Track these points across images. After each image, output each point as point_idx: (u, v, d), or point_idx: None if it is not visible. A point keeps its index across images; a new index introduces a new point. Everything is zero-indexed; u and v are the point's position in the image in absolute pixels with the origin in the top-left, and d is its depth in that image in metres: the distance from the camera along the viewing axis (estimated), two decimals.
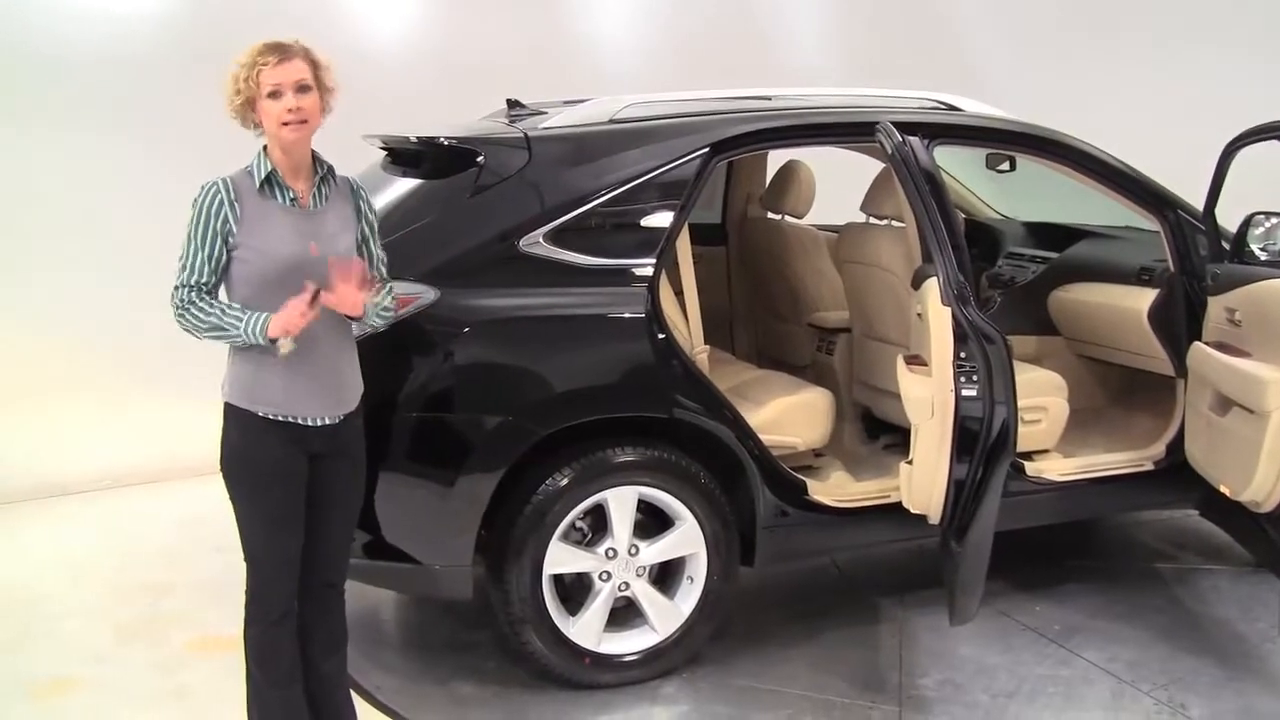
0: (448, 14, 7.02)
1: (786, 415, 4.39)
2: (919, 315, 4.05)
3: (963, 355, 3.55)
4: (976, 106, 4.62)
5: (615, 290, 3.94)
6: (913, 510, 4.00)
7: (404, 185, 4.16)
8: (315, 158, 3.12)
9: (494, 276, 3.86)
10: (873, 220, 4.77)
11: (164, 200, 6.04)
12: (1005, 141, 4.59)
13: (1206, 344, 4.32)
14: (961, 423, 3.61)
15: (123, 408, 6.30)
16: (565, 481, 3.86)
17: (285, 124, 2.96)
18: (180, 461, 6.20)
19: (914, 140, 3.86)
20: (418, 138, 4.17)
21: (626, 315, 3.92)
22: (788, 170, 5.13)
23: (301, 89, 2.97)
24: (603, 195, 3.97)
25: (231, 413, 3.09)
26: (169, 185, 6.00)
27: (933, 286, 3.67)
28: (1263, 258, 4.36)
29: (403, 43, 6.84)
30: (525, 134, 4.04)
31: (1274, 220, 4.38)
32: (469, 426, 3.80)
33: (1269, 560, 4.25)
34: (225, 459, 3.12)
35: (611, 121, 4.14)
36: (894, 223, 4.64)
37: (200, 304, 2.97)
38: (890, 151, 3.76)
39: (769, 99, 4.56)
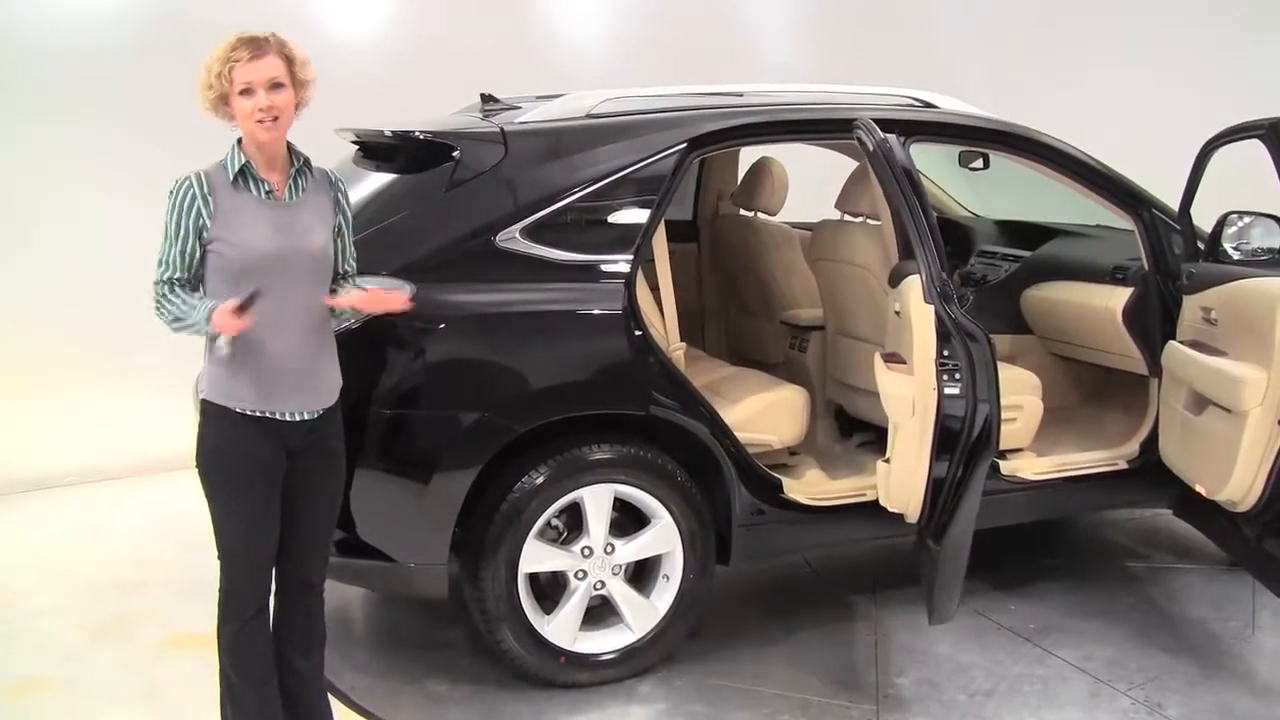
0: (418, 7, 6.96)
1: (762, 413, 4.37)
2: (896, 312, 4.03)
3: (945, 353, 3.53)
4: (953, 104, 4.62)
5: (592, 286, 3.90)
6: (890, 508, 3.98)
7: (377, 180, 4.11)
8: (290, 149, 3.07)
9: (470, 272, 3.82)
10: (847, 218, 4.76)
11: (131, 194, 5.99)
12: (982, 139, 4.58)
13: (1182, 343, 4.33)
14: (943, 421, 3.59)
15: (90, 404, 6.19)
16: (541, 479, 3.81)
17: (259, 122, 2.92)
18: (148, 458, 6.15)
19: (891, 137, 3.85)
20: (392, 131, 4.12)
21: (603, 311, 3.88)
22: (760, 167, 5.11)
23: (274, 86, 2.92)
24: (579, 191, 3.94)
25: (209, 409, 3.04)
26: (135, 178, 6.00)
27: (914, 284, 3.65)
28: (1235, 256, 4.38)
29: (373, 35, 6.79)
30: (501, 129, 4.00)
31: (1247, 219, 4.39)
32: (444, 423, 3.75)
33: (1244, 559, 4.26)
34: (202, 456, 3.07)
35: (588, 116, 4.11)
36: (869, 220, 4.63)
37: (173, 298, 2.93)
38: (871, 148, 3.75)
39: (740, 95, 4.53)
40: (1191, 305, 4.35)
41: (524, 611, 3.88)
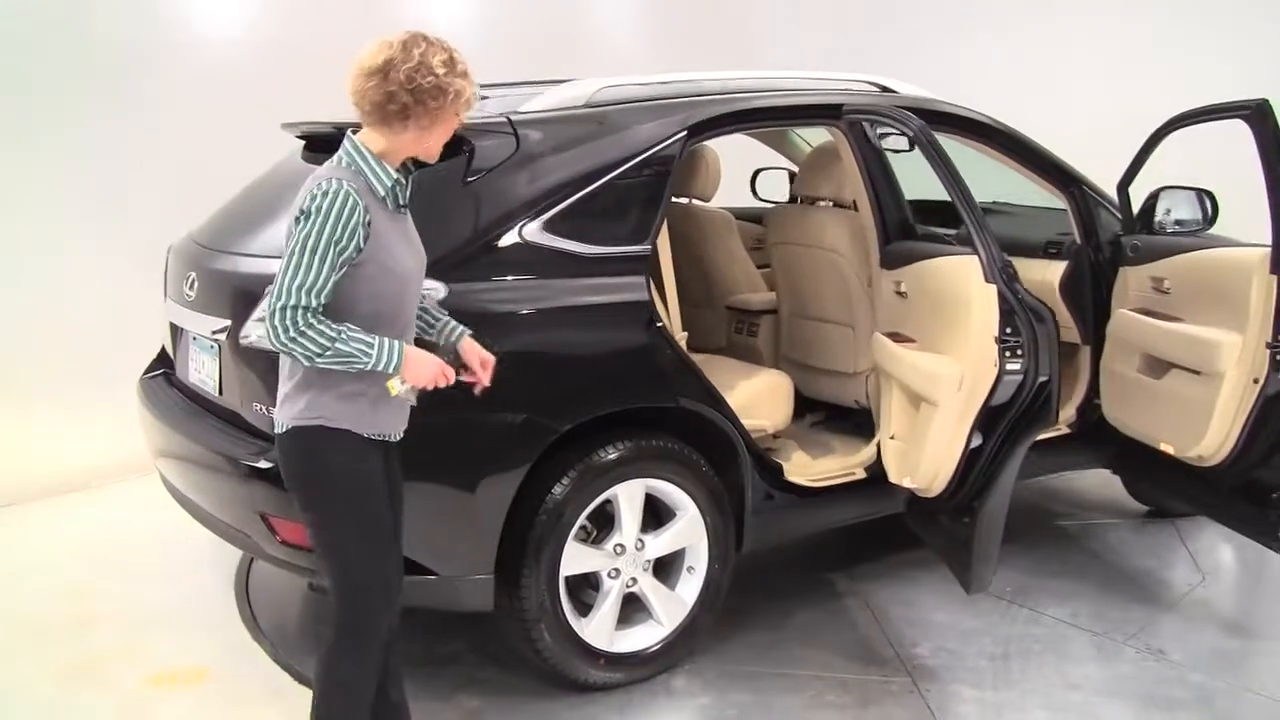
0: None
1: (756, 398, 4.38)
2: (899, 293, 4.13)
3: (1008, 330, 3.62)
4: (909, 89, 4.73)
5: (618, 279, 3.82)
6: (908, 484, 4.05)
7: None
8: None
9: (499, 268, 3.66)
10: (807, 202, 4.82)
11: (23, 202, 5.55)
12: (940, 123, 4.67)
13: (1131, 311, 4.59)
14: (993, 396, 3.69)
15: None
16: (577, 479, 3.72)
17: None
18: (38, 480, 5.67)
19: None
20: None
21: (631, 303, 3.82)
22: (694, 154, 5.09)
23: None
24: (596, 180, 3.83)
25: (328, 434, 2.80)
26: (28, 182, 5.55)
27: (966, 265, 3.71)
28: (1167, 228, 4.68)
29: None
30: (508, 119, 3.86)
31: (1175, 193, 4.70)
32: (488, 427, 3.58)
33: (1207, 509, 4.55)
34: (322, 481, 2.85)
35: (588, 105, 4.01)
36: (833, 204, 4.71)
37: (320, 326, 2.63)
38: (913, 134, 3.80)
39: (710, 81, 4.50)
40: (1138, 275, 4.62)
41: (564, 615, 3.78)
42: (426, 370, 2.78)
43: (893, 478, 4.14)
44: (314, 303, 2.63)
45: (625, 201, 3.91)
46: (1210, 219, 4.65)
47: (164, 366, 4.53)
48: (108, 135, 5.74)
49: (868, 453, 4.44)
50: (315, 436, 2.81)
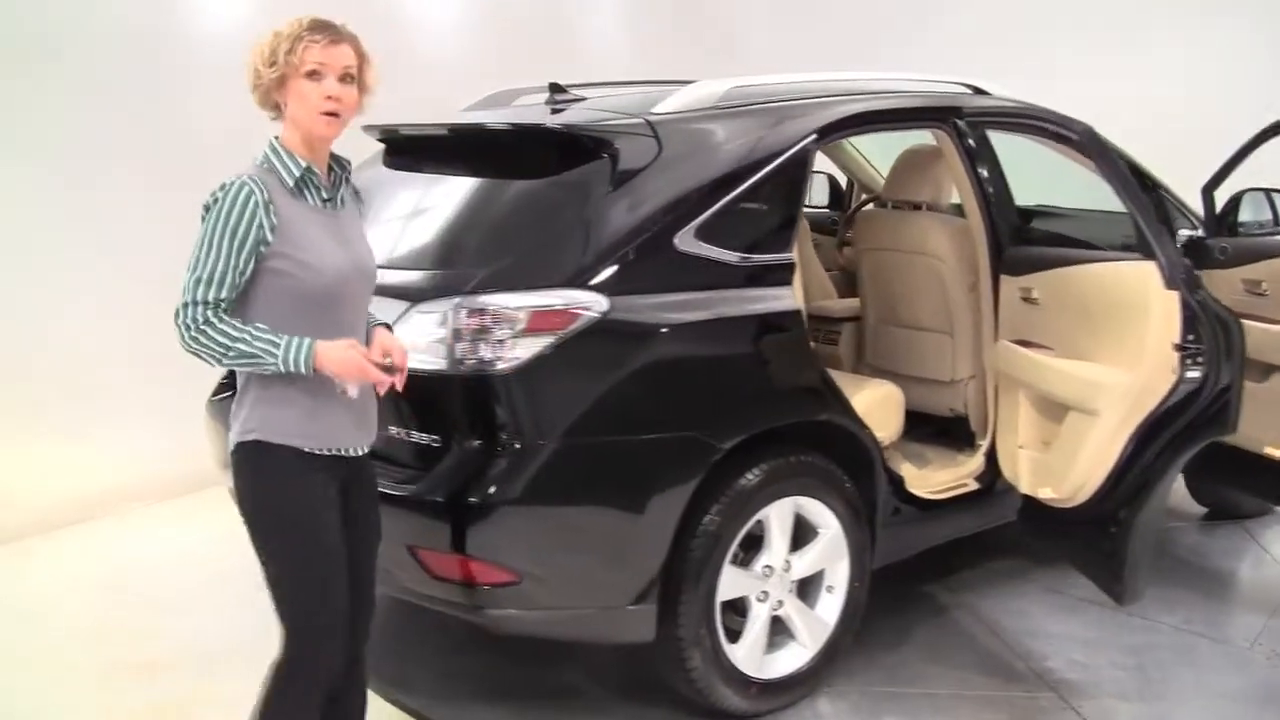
0: None
1: (871, 409, 4.20)
2: (1026, 299, 4.04)
3: (1190, 338, 3.54)
4: (1001, 90, 4.64)
5: (770, 289, 3.66)
6: (1043, 495, 3.96)
7: (480, 185, 3.67)
8: (330, 153, 2.72)
9: (658, 279, 3.46)
10: (894, 206, 4.72)
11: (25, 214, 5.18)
12: (1028, 124, 4.57)
13: None
14: (1165, 405, 3.61)
15: None
16: (733, 499, 3.54)
17: (324, 113, 2.57)
18: (56, 509, 5.30)
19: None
20: (514, 125, 3.71)
21: (784, 313, 3.67)
22: None
23: (345, 78, 2.59)
24: (741, 184, 3.66)
25: (265, 452, 2.61)
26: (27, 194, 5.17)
27: (1148, 271, 3.62)
28: (1240, 231, 4.69)
29: None
30: (647, 120, 3.66)
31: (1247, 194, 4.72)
32: (652, 446, 3.40)
33: None
34: (261, 505, 2.65)
35: (723, 105, 3.83)
36: (929, 208, 4.61)
37: (222, 325, 2.49)
38: (1076, 138, 3.71)
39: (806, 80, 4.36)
40: (1228, 279, 4.60)
41: (720, 642, 3.60)
42: (348, 365, 2.55)
43: (1025, 488, 4.05)
44: (212, 296, 2.48)
45: (769, 207, 3.75)
46: None
47: (234, 388, 4.22)
48: (108, 139, 5.42)
49: (976, 462, 4.36)
50: (256, 453, 2.63)
